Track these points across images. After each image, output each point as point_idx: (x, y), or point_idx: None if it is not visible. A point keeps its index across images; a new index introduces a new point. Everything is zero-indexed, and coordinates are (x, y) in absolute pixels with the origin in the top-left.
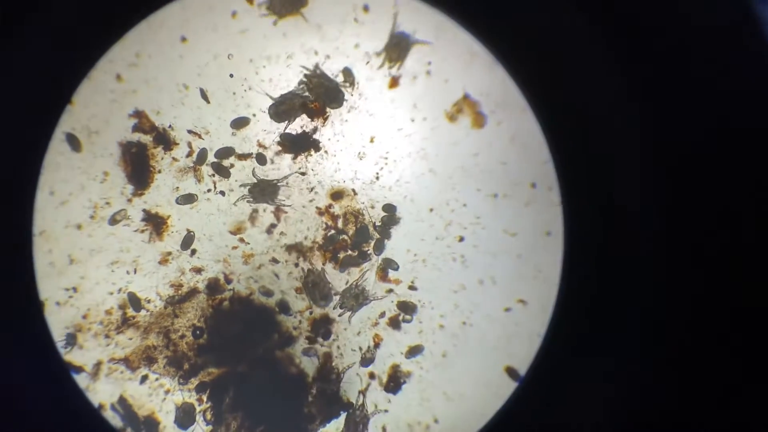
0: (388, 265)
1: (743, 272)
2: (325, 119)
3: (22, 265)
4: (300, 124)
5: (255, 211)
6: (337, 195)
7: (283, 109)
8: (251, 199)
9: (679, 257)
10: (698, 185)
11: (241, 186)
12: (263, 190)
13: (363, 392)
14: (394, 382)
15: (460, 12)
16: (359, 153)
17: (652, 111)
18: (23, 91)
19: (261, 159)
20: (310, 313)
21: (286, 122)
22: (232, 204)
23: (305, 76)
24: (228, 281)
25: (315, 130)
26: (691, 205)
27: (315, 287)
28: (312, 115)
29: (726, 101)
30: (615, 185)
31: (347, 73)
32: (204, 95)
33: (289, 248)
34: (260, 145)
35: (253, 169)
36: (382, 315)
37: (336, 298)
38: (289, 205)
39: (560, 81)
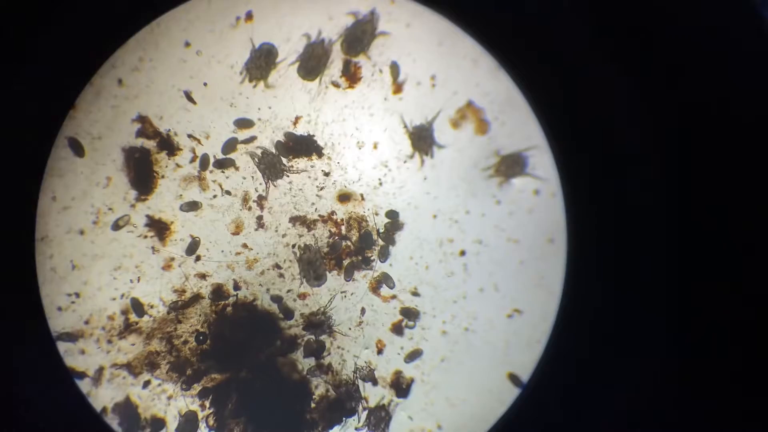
0: (385, 280)
1: (752, 283)
2: (355, 82)
3: (24, 271)
4: (304, 129)
5: (246, 198)
6: (344, 197)
7: (312, 64)
8: (257, 160)
9: (683, 262)
10: (704, 189)
11: (258, 148)
12: (271, 165)
13: (385, 405)
14: (400, 388)
15: (464, 17)
16: (362, 159)
17: (656, 115)
18: (26, 97)
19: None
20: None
21: (319, 79)
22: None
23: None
24: (237, 288)
25: (337, 84)
26: (697, 210)
27: (310, 265)
28: (347, 72)
29: (731, 100)
30: (619, 190)
31: (394, 67)
32: (189, 97)
33: (293, 219)
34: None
35: (277, 142)
36: (362, 312)
37: (329, 278)
38: (266, 190)
39: (564, 86)
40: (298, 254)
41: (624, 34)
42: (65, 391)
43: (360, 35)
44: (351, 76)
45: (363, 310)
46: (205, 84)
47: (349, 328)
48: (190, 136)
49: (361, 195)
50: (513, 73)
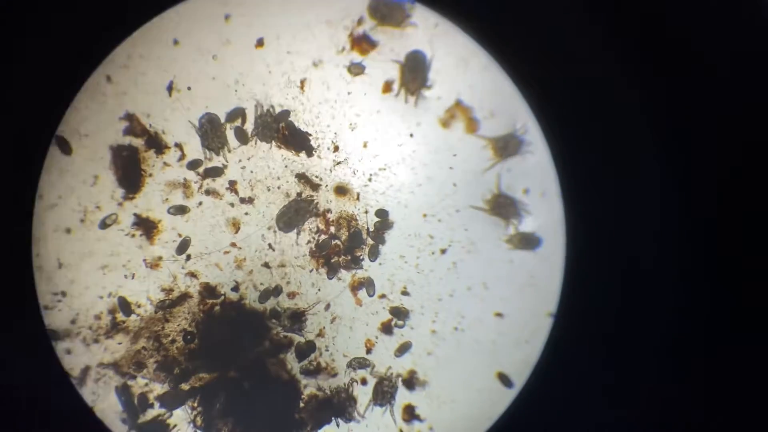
0: (368, 284)
1: (753, 283)
2: (361, 48)
3: (19, 269)
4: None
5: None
6: (341, 190)
7: (384, 12)
8: (258, 112)
9: (680, 263)
10: (706, 191)
11: (270, 105)
12: (266, 127)
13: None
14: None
15: (456, 13)
16: (351, 158)
17: (655, 112)
18: (21, 95)
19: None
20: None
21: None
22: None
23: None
24: (236, 289)
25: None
26: (698, 212)
27: (296, 214)
28: (366, 41)
29: (734, 103)
30: (617, 190)
31: (357, 67)
32: (170, 87)
33: (299, 176)
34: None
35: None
36: (327, 307)
37: (299, 236)
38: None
39: (560, 83)
40: (293, 197)
41: (624, 32)
42: (58, 387)
43: (419, 65)
44: (364, 45)
45: (328, 306)
46: (189, 88)
47: (324, 327)
48: (177, 145)
49: (358, 194)
50: (511, 72)
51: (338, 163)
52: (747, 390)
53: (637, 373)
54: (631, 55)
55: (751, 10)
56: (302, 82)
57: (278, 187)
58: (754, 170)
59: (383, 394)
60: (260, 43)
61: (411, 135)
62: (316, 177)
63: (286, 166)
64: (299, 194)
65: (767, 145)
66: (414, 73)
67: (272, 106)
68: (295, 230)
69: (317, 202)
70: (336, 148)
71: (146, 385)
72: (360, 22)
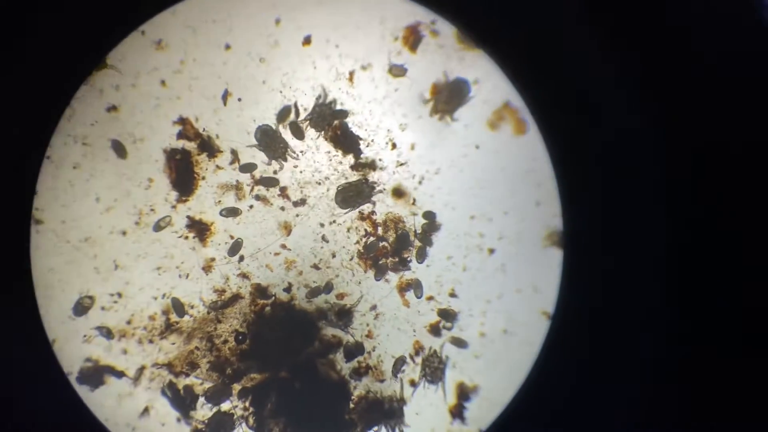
0: (416, 286)
1: (753, 283)
2: (414, 43)
3: (19, 269)
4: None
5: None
6: (398, 192)
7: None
8: (318, 101)
9: (681, 263)
10: (705, 191)
11: (328, 99)
12: (322, 117)
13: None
14: (459, 406)
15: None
16: (399, 160)
17: (655, 112)
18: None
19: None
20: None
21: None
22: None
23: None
24: (288, 290)
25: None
26: (698, 212)
27: (357, 195)
28: (414, 34)
29: (734, 103)
30: (616, 192)
31: (399, 69)
32: (225, 96)
33: (356, 166)
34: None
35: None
36: (373, 308)
37: (352, 213)
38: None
39: (558, 83)
40: (356, 179)
41: (623, 31)
42: (64, 396)
43: (460, 94)
44: (412, 40)
45: (374, 307)
46: (239, 99)
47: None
48: (233, 151)
49: (414, 199)
50: (508, 72)
51: (401, 164)
52: (747, 390)
53: (637, 372)
54: (631, 55)
55: (751, 10)
56: (351, 74)
57: (326, 179)
58: (754, 170)
59: (434, 370)
60: (307, 41)
61: (477, 147)
62: (380, 160)
63: (330, 160)
64: (365, 176)
65: (767, 145)
66: (450, 97)
67: (334, 100)
68: (348, 210)
69: (382, 188)
70: (393, 146)
71: (201, 384)
72: (433, 22)
